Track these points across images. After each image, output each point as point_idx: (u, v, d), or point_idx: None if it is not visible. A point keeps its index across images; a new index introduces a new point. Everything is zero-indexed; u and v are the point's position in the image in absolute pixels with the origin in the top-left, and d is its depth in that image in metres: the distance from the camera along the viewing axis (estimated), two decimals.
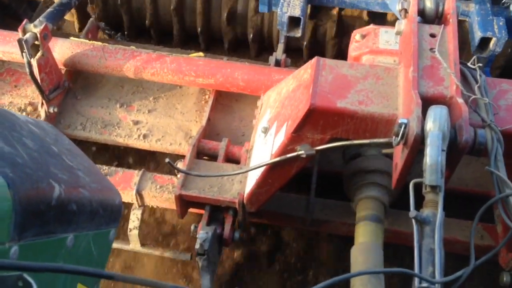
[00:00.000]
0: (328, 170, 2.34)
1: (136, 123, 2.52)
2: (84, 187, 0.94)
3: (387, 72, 1.70)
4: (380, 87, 1.66)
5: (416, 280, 1.23)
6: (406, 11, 1.71)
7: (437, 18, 1.68)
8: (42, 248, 0.82)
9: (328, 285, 1.02)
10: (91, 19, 2.80)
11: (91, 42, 2.52)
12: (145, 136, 2.48)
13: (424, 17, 1.68)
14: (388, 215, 2.05)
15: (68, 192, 0.87)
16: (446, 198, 1.33)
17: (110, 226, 1.06)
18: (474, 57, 1.53)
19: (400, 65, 1.71)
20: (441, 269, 1.22)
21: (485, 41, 2.25)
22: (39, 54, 2.24)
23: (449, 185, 1.83)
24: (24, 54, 2.19)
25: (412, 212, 1.31)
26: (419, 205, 1.37)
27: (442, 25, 1.60)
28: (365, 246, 1.80)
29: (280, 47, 2.70)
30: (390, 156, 1.71)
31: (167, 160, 1.84)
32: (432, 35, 1.59)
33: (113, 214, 1.07)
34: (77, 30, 3.21)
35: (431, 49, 1.56)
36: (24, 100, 2.53)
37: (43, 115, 2.42)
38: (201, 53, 2.61)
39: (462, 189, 2.27)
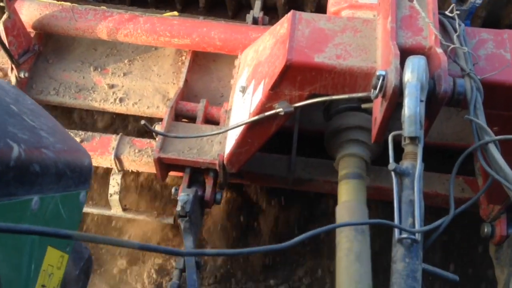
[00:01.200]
0: (310, 129, 2.31)
1: (111, 86, 2.45)
2: (48, 148, 0.89)
3: (365, 24, 1.65)
4: (358, 40, 1.62)
5: (396, 232, 1.22)
6: None
7: None
8: (4, 210, 0.78)
9: (310, 236, 1.01)
10: None
11: (59, 2, 2.42)
12: (121, 100, 2.42)
13: None
14: (370, 171, 2.04)
15: (29, 152, 0.82)
16: (426, 153, 1.32)
17: (79, 188, 1.03)
18: (453, 5, 1.49)
19: (378, 17, 1.66)
20: (421, 219, 1.21)
21: None
22: (5, 16, 2.15)
23: (429, 140, 1.82)
24: None
25: (392, 165, 1.29)
26: (400, 159, 1.35)
27: None
28: (349, 204, 1.79)
29: (258, 4, 2.63)
30: (370, 112, 1.68)
31: (142, 122, 1.79)
32: None
33: (82, 176, 1.03)
34: None
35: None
36: None
37: (13, 80, 2.33)
38: (175, 12, 2.52)
39: (442, 144, 2.27)
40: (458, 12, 1.46)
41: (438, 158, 2.20)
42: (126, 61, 2.52)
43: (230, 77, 2.34)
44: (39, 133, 0.90)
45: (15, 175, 0.79)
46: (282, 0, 3.08)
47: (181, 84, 2.37)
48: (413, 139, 1.29)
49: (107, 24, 2.36)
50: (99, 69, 2.49)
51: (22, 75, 2.32)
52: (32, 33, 2.43)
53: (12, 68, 2.31)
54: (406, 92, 1.30)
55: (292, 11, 1.71)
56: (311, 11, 3.11)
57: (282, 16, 3.14)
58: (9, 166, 0.77)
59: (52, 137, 0.94)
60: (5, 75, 2.42)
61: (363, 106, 1.66)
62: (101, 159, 2.21)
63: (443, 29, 1.54)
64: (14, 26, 2.23)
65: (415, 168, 1.26)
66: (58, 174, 0.92)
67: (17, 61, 2.29)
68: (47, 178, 0.88)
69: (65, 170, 0.94)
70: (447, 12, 1.49)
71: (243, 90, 2.00)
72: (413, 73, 1.31)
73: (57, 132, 0.99)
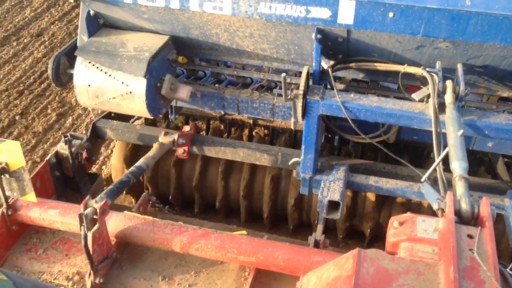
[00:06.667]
0: None
1: None
2: None
3: (428, 268, 1.75)
4: (421, 283, 1.70)
5: None
6: (443, 210, 1.82)
7: (473, 219, 1.78)
8: None
9: None
10: (143, 194, 3.03)
11: (142, 216, 2.71)
12: None
13: (461, 217, 1.79)
14: None
15: None
16: None
17: None
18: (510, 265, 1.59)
19: (440, 262, 1.76)
20: None
21: None
22: (95, 227, 2.41)
23: None
24: (82, 227, 2.37)
25: None
26: None
27: (479, 227, 1.69)
28: None
29: (320, 228, 2.80)
30: None
31: None
32: (470, 236, 1.67)
33: None
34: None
35: (470, 249, 1.63)
36: (73, 269, 2.64)
37: (88, 285, 2.50)
38: (244, 231, 2.74)
39: None
40: None
41: None
42: (192, 273, 2.67)
43: None
44: None
45: None
46: (340, 223, 3.30)
47: None
48: None
49: (181, 238, 2.59)
50: (167, 279, 2.64)
51: (97, 280, 2.50)
52: (113, 241, 2.68)
53: (89, 274, 2.50)
54: None
55: (357, 249, 1.85)
56: (371, 228, 3.28)
57: (341, 236, 3.38)
58: None
59: None
60: (82, 278, 2.60)
61: None
62: None
63: (504, 281, 1.61)
64: (100, 236, 2.49)
65: None
66: None
67: (96, 267, 2.49)
68: None
69: None
70: (508, 270, 1.58)
71: None
72: None
73: None
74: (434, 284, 1.68)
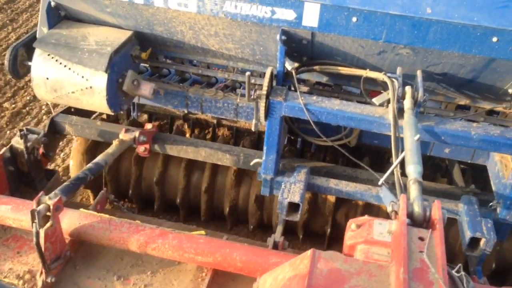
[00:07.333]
0: None
1: None
2: None
3: (380, 270, 1.77)
4: (372, 284, 1.71)
5: None
6: (396, 213, 1.85)
7: (425, 221, 1.81)
8: None
9: None
10: (102, 191, 2.96)
11: (99, 214, 2.64)
12: None
13: (413, 220, 1.81)
14: None
15: None
16: None
17: None
18: (459, 265, 1.62)
19: (391, 263, 1.78)
20: None
21: (475, 241, 2.36)
22: (48, 224, 2.34)
23: None
24: (34, 224, 2.30)
25: None
26: None
27: (430, 230, 1.72)
28: None
29: (279, 229, 2.81)
30: None
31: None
32: (421, 239, 1.70)
33: None
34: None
35: (420, 251, 1.65)
36: (24, 267, 2.55)
37: (40, 284, 2.42)
38: (203, 231, 2.71)
39: None
40: (463, 273, 1.57)
41: None
42: (149, 273, 2.62)
43: None
44: None
45: None
46: (300, 224, 3.31)
47: None
48: None
49: (138, 237, 2.53)
50: (122, 279, 2.58)
51: (49, 279, 2.42)
52: (67, 239, 2.61)
53: (41, 272, 2.43)
54: None
55: (312, 249, 1.86)
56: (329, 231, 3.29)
57: (301, 237, 3.40)
58: None
59: None
60: (33, 277, 2.52)
61: None
62: None
63: (452, 283, 1.64)
64: (53, 233, 2.41)
65: None
66: None
67: (49, 266, 2.41)
68: None
69: None
70: (454, 271, 1.61)
71: None
72: None
73: None
74: (385, 285, 1.70)
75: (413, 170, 2.03)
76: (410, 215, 1.81)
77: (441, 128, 2.48)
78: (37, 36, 2.85)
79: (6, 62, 2.81)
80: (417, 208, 1.82)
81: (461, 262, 3.02)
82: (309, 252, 1.86)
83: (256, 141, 3.65)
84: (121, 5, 2.68)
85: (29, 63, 2.80)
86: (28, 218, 2.35)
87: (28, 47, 2.85)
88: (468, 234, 2.38)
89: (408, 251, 1.66)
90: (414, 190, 1.93)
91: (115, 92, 2.78)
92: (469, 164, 3.20)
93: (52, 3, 2.82)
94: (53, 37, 2.78)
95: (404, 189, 2.29)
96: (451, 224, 2.79)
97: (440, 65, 2.56)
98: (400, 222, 1.75)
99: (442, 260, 1.61)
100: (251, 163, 3.03)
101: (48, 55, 2.73)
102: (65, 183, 2.63)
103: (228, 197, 3.43)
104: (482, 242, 2.35)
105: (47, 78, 2.73)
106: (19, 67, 2.87)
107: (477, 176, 3.32)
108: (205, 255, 2.51)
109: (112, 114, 3.19)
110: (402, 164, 2.23)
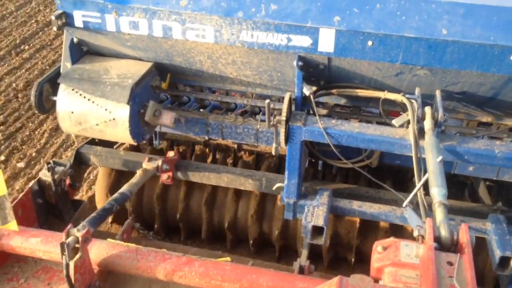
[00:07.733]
0: None
1: None
2: None
3: None
4: None
5: None
6: (423, 237, 1.84)
7: (453, 245, 1.80)
8: None
9: None
10: (127, 220, 3.01)
11: (126, 244, 2.68)
12: None
13: (441, 243, 1.80)
14: None
15: None
16: None
17: None
18: None
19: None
20: None
21: (505, 260, 2.32)
22: (77, 256, 2.38)
23: None
24: (63, 256, 2.34)
25: None
26: None
27: (459, 254, 1.71)
28: None
29: (304, 253, 2.80)
30: None
31: None
32: (450, 263, 1.69)
33: None
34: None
35: (450, 276, 1.64)
36: None
37: None
38: (228, 258, 2.72)
39: None
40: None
41: None
42: None
43: None
44: None
45: None
46: (326, 248, 3.30)
47: None
48: None
49: (165, 266, 2.56)
50: None
51: None
52: (96, 269, 2.65)
53: None
54: None
55: (339, 276, 1.86)
56: (353, 260, 3.28)
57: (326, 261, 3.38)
58: None
59: None
60: None
61: None
62: None
63: None
64: (82, 264, 2.45)
65: None
66: None
67: None
68: None
69: None
70: None
71: None
72: None
73: None
74: None
75: (437, 192, 2.02)
76: (437, 239, 1.80)
77: (463, 148, 2.47)
78: (61, 71, 2.94)
79: (32, 98, 2.90)
80: (444, 232, 1.81)
81: (491, 282, 2.99)
82: (336, 279, 1.87)
83: (278, 164, 3.67)
84: (141, 39, 2.76)
85: (54, 98, 2.88)
86: (57, 250, 2.40)
87: (52, 82, 2.94)
88: (498, 253, 2.35)
89: (438, 276, 1.65)
90: (439, 213, 1.93)
91: (137, 123, 2.84)
92: (495, 181, 3.16)
93: (75, 40, 2.91)
94: (77, 72, 2.87)
95: (429, 209, 2.28)
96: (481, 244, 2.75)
97: (459, 84, 2.56)
98: (428, 247, 1.74)
99: (473, 285, 1.60)
100: (274, 188, 3.04)
101: (72, 89, 2.81)
102: (92, 215, 2.68)
103: (252, 226, 3.45)
104: None
105: (72, 112, 2.80)
106: (45, 103, 2.96)
107: (504, 192, 3.28)
108: (232, 281, 2.52)
109: (135, 144, 3.26)
110: (426, 184, 2.22)
